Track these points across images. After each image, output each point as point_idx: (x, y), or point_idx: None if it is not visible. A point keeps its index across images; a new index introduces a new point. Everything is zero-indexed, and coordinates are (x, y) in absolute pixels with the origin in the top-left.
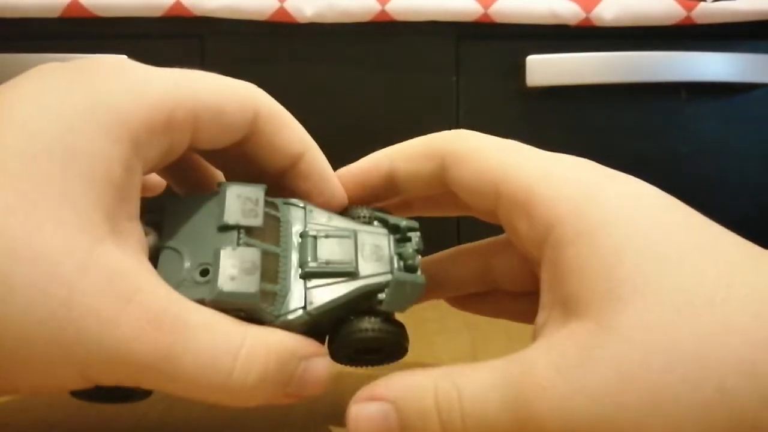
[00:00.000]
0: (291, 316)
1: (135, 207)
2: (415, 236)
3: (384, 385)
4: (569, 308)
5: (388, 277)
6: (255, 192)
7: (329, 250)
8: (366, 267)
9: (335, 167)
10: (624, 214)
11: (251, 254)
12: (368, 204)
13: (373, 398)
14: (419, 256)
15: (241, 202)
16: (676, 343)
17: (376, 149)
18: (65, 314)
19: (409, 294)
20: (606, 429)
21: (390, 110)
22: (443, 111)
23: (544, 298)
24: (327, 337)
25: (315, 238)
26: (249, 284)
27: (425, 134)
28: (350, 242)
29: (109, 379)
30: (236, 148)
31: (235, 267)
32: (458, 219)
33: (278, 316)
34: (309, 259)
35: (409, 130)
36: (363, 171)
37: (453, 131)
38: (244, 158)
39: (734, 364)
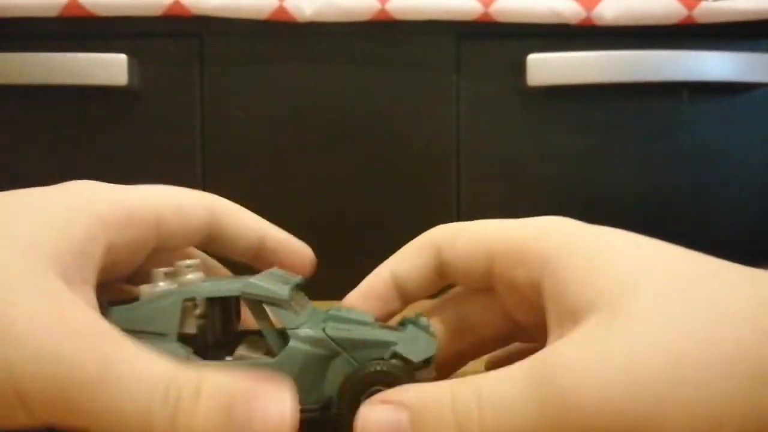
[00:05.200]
0: (310, 330)
1: (92, 275)
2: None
3: (398, 391)
4: (579, 313)
5: (403, 330)
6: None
7: (349, 318)
8: (382, 330)
9: (335, 166)
10: (610, 241)
11: (284, 279)
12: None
13: (386, 401)
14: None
15: (269, 275)
16: (692, 310)
17: (377, 149)
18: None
19: (423, 345)
20: (642, 393)
21: (390, 110)
22: (444, 111)
23: (552, 320)
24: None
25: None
26: (281, 288)
27: (425, 134)
28: (369, 322)
29: (44, 406)
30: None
31: (268, 277)
32: None
33: (299, 326)
34: (331, 312)
35: (409, 130)
36: (367, 286)
37: (439, 226)
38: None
39: (747, 318)
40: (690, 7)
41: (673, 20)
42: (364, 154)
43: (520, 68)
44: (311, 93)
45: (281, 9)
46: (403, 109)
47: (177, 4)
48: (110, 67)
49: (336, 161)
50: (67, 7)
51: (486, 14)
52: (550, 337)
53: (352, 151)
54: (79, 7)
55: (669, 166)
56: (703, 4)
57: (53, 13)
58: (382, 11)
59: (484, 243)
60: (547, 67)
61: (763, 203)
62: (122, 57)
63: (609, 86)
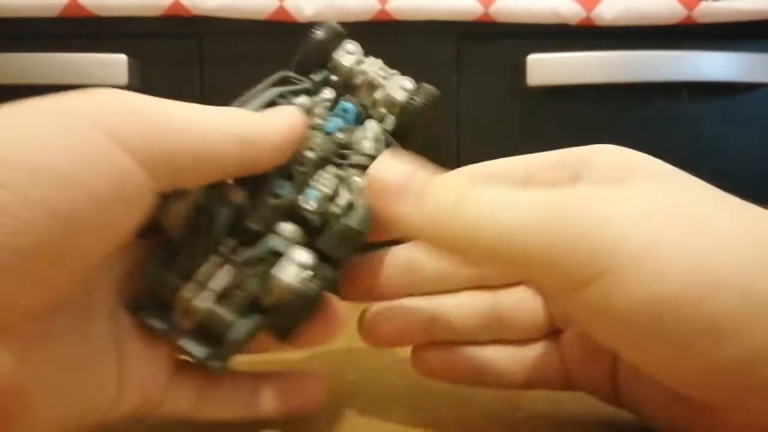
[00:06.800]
0: None
1: None
2: None
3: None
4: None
5: None
6: None
7: None
8: None
9: None
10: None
11: None
12: None
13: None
14: None
15: None
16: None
17: None
18: None
19: None
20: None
21: None
22: (444, 110)
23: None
24: None
25: None
26: None
27: (425, 134)
28: None
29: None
30: None
31: None
32: None
33: None
34: None
35: None
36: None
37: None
38: None
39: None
40: (690, 8)
41: (673, 20)
42: None
43: (520, 68)
44: None
45: (281, 9)
46: None
47: (177, 4)
48: (110, 68)
49: None
50: (67, 7)
51: (486, 14)
52: None
53: None
54: (80, 7)
55: None
56: (702, 5)
57: (53, 14)
58: (383, 11)
59: None
60: (546, 68)
61: (763, 203)
62: (122, 57)
63: (609, 86)
